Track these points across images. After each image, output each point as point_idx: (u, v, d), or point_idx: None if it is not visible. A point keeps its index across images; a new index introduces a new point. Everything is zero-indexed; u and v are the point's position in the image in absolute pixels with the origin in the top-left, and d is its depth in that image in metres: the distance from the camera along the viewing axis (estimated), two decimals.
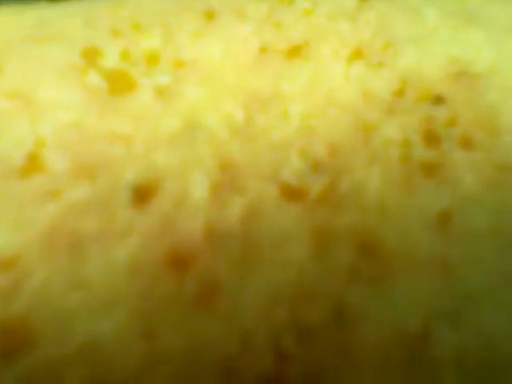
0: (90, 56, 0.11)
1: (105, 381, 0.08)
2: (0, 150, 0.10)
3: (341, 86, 0.11)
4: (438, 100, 0.11)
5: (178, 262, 0.09)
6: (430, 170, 0.10)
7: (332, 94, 0.11)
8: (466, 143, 0.11)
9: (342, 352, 0.09)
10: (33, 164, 0.10)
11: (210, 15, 0.12)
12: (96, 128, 0.10)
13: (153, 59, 0.11)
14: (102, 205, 0.09)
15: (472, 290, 0.10)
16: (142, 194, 0.10)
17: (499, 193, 0.10)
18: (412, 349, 0.10)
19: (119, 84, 0.11)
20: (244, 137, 0.11)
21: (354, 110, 0.11)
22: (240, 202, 0.10)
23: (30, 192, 0.09)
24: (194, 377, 0.09)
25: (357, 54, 0.12)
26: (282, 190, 0.10)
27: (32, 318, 0.09)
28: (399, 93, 0.11)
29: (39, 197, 0.09)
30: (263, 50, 0.12)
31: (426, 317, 0.10)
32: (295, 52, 0.12)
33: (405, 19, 0.13)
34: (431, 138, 0.11)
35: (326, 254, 0.10)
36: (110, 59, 0.11)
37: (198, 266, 0.09)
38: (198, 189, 0.10)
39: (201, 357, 0.09)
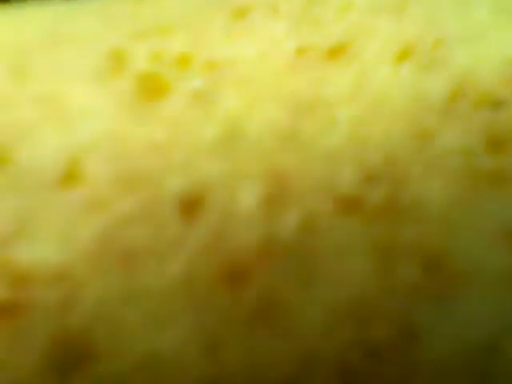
0: (118, 58, 0.10)
1: None
2: (36, 158, 0.09)
3: (390, 89, 0.11)
4: (498, 104, 0.11)
5: (234, 277, 0.08)
6: (496, 179, 0.10)
7: (381, 98, 0.10)
8: None
9: (409, 371, 0.08)
10: (72, 174, 0.09)
11: (240, 13, 0.11)
12: (131, 136, 0.09)
13: (184, 60, 0.10)
14: (149, 217, 0.09)
15: None
16: (189, 206, 0.09)
17: None
18: (480, 365, 0.09)
19: (151, 87, 0.10)
20: (292, 145, 0.10)
21: (407, 115, 0.10)
22: (294, 215, 0.09)
23: (75, 203, 0.09)
24: None
25: (405, 53, 0.11)
26: (336, 202, 0.09)
27: (91, 332, 0.08)
28: (455, 96, 0.11)
29: (85, 208, 0.08)
30: (301, 51, 0.11)
31: (494, 333, 0.09)
32: (338, 52, 0.11)
33: (455, 15, 0.12)
34: (495, 145, 0.10)
35: (390, 271, 0.09)
36: (140, 61, 0.10)
37: (255, 281, 0.08)
38: (248, 200, 0.09)
39: (262, 377, 0.08)
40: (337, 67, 0.11)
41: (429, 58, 0.11)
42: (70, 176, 0.09)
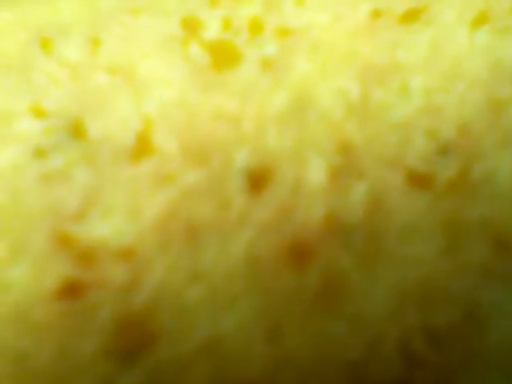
0: (190, 27, 0.10)
1: (229, 379, 0.08)
2: (108, 130, 0.09)
3: (466, 56, 0.10)
4: None
5: (299, 253, 0.08)
6: None
7: (457, 65, 0.10)
8: None
9: (476, 355, 0.08)
10: (143, 145, 0.09)
11: None
12: (202, 105, 0.09)
13: (256, 27, 0.10)
14: (216, 190, 0.09)
15: None
16: (257, 180, 0.09)
17: None
18: None
19: (223, 56, 0.10)
20: (361, 115, 0.10)
21: (483, 84, 0.10)
22: (362, 189, 0.09)
23: (143, 177, 0.09)
24: (319, 381, 0.08)
25: (482, 18, 0.10)
26: (407, 175, 0.09)
27: (155, 312, 0.08)
28: None
29: (152, 182, 0.09)
30: (376, 14, 0.11)
31: None
32: (412, 16, 0.11)
33: None
34: None
35: (459, 249, 0.09)
36: (211, 29, 0.10)
37: (321, 258, 0.08)
38: (316, 174, 0.09)
39: (326, 359, 0.08)
40: (412, 32, 0.10)
41: (505, 22, 0.10)
42: (140, 148, 0.09)
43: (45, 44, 0.10)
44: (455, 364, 0.08)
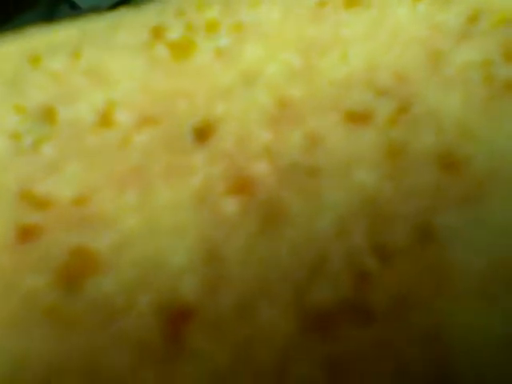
0: (157, 32, 0.12)
1: (171, 300, 0.08)
2: (75, 113, 0.10)
3: (406, 24, 0.11)
4: None
5: (242, 188, 0.09)
6: None
7: (396, 33, 0.11)
8: None
9: (431, 276, 0.08)
10: (103, 121, 0.10)
11: None
12: (160, 87, 0.10)
13: (212, 26, 0.12)
14: (166, 146, 0.09)
15: None
16: (203, 133, 0.10)
17: None
18: None
19: (181, 50, 0.11)
20: (303, 79, 0.10)
21: (422, 42, 0.10)
22: (301, 132, 0.09)
23: (102, 143, 0.10)
24: (263, 301, 0.08)
25: None
26: (345, 116, 0.09)
27: (95, 244, 0.09)
28: (472, 20, 0.11)
29: (109, 146, 0.10)
30: (322, 3, 0.12)
31: None
32: (355, 1, 0.12)
33: None
34: (510, 56, 0.10)
35: (404, 173, 0.09)
36: (175, 33, 0.12)
37: (263, 192, 0.09)
38: (257, 126, 0.10)
39: (269, 280, 0.08)
40: (355, 13, 0.11)
41: None
42: (101, 123, 0.10)
43: (34, 61, 0.12)
44: (411, 284, 0.08)
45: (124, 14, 0.13)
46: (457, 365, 0.08)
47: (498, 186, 0.09)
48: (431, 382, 0.08)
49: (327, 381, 0.08)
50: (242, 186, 0.09)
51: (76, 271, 0.08)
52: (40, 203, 0.09)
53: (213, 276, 0.08)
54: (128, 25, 0.12)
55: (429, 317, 0.08)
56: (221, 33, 0.11)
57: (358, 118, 0.09)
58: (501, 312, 0.08)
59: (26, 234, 0.09)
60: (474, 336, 0.08)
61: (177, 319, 0.08)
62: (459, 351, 0.08)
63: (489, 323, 0.08)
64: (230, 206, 0.09)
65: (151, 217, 0.09)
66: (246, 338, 0.08)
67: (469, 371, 0.08)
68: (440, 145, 0.09)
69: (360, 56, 0.10)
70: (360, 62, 0.10)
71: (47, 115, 0.10)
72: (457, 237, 0.08)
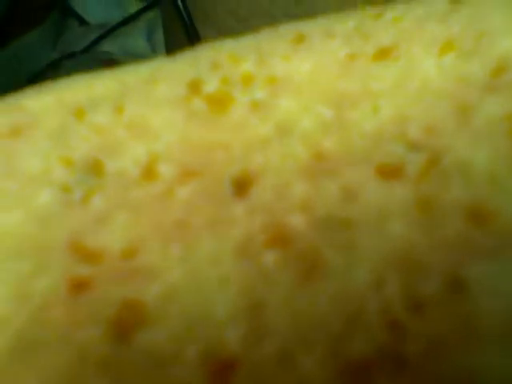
0: (194, 86, 0.12)
1: (216, 351, 0.09)
2: (121, 166, 0.11)
3: (433, 77, 0.11)
4: None
5: (281, 240, 0.09)
6: None
7: (424, 85, 0.11)
8: None
9: (463, 324, 0.08)
10: (147, 173, 0.11)
11: (299, 39, 0.13)
12: (199, 140, 0.11)
13: (248, 79, 0.12)
14: (207, 198, 0.10)
15: None
16: (242, 185, 0.10)
17: None
18: None
19: (218, 103, 0.12)
20: (335, 131, 0.11)
21: (449, 95, 0.11)
22: (336, 185, 0.10)
23: (146, 195, 0.10)
24: (300, 353, 0.08)
25: (448, 46, 0.12)
26: (377, 169, 0.10)
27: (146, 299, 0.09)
28: (497, 72, 0.11)
29: (154, 198, 0.10)
30: (351, 56, 0.12)
31: None
32: (384, 54, 0.12)
33: (500, 12, 0.12)
34: None
35: (435, 225, 0.09)
36: (211, 86, 0.12)
37: (300, 244, 0.09)
38: (294, 178, 0.10)
39: (307, 333, 0.09)
40: (384, 66, 0.12)
41: (471, 46, 0.11)
42: (145, 176, 0.11)
43: (78, 114, 0.12)
44: (444, 333, 0.08)
45: (161, 67, 0.14)
46: None
47: None
48: None
49: None
50: (280, 238, 0.09)
51: (126, 323, 0.09)
52: (90, 256, 0.10)
53: (255, 327, 0.09)
54: (166, 78, 0.13)
55: (460, 365, 0.08)
56: (256, 86, 0.12)
57: (389, 171, 0.10)
58: None
59: (78, 287, 0.09)
60: (506, 381, 0.08)
61: (222, 369, 0.08)
62: None
63: None
64: (270, 257, 0.09)
65: (195, 269, 0.09)
66: None
67: None
68: (469, 197, 0.09)
69: (390, 108, 0.11)
70: (390, 114, 0.11)
71: (94, 168, 0.11)
72: (486, 287, 0.09)
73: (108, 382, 0.08)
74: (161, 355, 0.09)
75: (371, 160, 0.10)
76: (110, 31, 0.55)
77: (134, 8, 0.57)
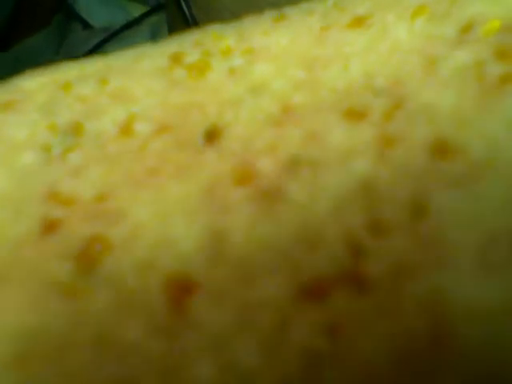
0: (176, 58, 0.13)
1: (177, 277, 0.09)
2: (100, 127, 0.11)
3: (404, 38, 0.12)
4: (509, 28, 0.11)
5: (247, 179, 0.09)
6: (507, 78, 0.10)
7: (395, 45, 0.11)
8: None
9: (425, 247, 0.08)
10: (124, 131, 0.11)
11: (280, 18, 0.14)
12: (177, 102, 0.11)
13: (227, 51, 0.13)
14: (180, 148, 0.10)
15: None
16: (213, 136, 0.10)
17: None
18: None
19: (197, 71, 0.12)
20: (306, 89, 0.11)
21: (418, 51, 0.11)
22: (302, 130, 0.10)
23: (121, 150, 0.11)
24: (261, 277, 0.08)
25: (420, 12, 0.12)
26: (343, 114, 0.10)
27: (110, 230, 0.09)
28: (466, 29, 0.11)
29: (128, 152, 0.11)
30: (326, 27, 0.12)
31: None
32: (357, 22, 0.12)
33: None
34: (504, 55, 0.10)
35: (399, 160, 0.09)
36: (192, 57, 0.13)
37: (266, 180, 0.09)
38: (262, 128, 0.10)
39: (268, 260, 0.09)
40: (357, 33, 0.12)
41: (443, 10, 0.12)
42: (121, 134, 0.11)
43: (66, 87, 0.13)
44: (406, 256, 0.08)
45: (146, 48, 0.14)
46: (455, 329, 0.08)
47: (494, 167, 0.09)
48: (427, 344, 0.08)
49: (327, 343, 0.08)
50: (247, 177, 0.10)
51: (91, 256, 0.09)
52: (64, 201, 0.10)
53: (216, 253, 0.09)
54: (150, 54, 0.13)
55: (426, 287, 0.08)
56: (234, 55, 0.13)
57: (355, 115, 0.10)
58: (499, 279, 0.08)
59: (50, 227, 0.10)
60: (472, 302, 0.08)
61: (182, 294, 0.08)
62: (457, 317, 0.08)
63: (487, 290, 0.08)
64: (236, 194, 0.09)
65: (163, 208, 0.10)
66: (246, 304, 0.08)
67: (467, 335, 0.08)
68: (434, 133, 0.09)
69: (360, 66, 0.11)
70: (359, 71, 0.11)
71: (75, 129, 0.12)
72: (453, 213, 0.09)
73: (73, 309, 0.09)
74: (124, 283, 0.09)
75: (338, 108, 0.10)
76: (113, 35, 0.56)
77: (137, 12, 0.58)
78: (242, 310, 0.08)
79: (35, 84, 0.14)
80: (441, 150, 0.09)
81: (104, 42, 0.55)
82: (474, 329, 0.08)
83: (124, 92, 0.12)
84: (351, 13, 0.13)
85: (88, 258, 0.09)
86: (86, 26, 0.59)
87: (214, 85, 0.12)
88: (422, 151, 0.09)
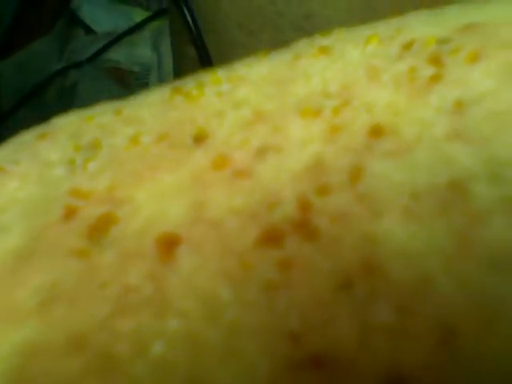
0: (176, 89, 0.16)
1: (165, 234, 0.11)
2: (114, 142, 0.14)
3: (355, 58, 0.14)
4: (443, 40, 0.13)
5: (223, 165, 0.12)
6: (436, 78, 0.12)
7: (347, 63, 0.14)
8: (473, 58, 0.12)
9: (361, 203, 0.10)
10: (132, 143, 0.14)
11: (264, 54, 0.16)
12: (174, 117, 0.14)
13: (217, 81, 0.15)
14: (174, 149, 0.13)
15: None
16: (201, 138, 0.13)
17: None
18: (444, 200, 0.10)
19: (192, 96, 0.15)
20: (275, 98, 0.14)
21: (365, 65, 0.14)
22: (268, 127, 0.13)
23: (129, 156, 0.13)
24: (231, 231, 0.11)
25: (372, 39, 0.15)
26: (301, 112, 0.12)
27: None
28: (407, 47, 0.14)
29: (134, 156, 0.13)
30: (297, 57, 0.15)
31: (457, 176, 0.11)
32: (322, 51, 0.15)
33: (419, 17, 0.15)
34: (436, 61, 0.13)
35: (341, 139, 0.12)
36: (188, 87, 0.16)
37: (239, 165, 0.12)
38: (239, 130, 0.13)
39: (238, 214, 0.11)
40: (320, 58, 0.15)
41: (391, 36, 0.14)
42: (131, 144, 0.14)
43: (89, 119, 0.16)
44: (346, 209, 0.10)
45: (156, 87, 0.17)
46: (385, 263, 0.10)
47: (420, 142, 0.11)
48: (362, 275, 0.10)
49: (282, 276, 0.10)
50: (224, 165, 0.12)
51: (101, 227, 0.12)
52: (82, 195, 0.13)
53: (197, 217, 0.11)
54: (157, 90, 0.16)
55: (361, 232, 0.10)
56: (222, 83, 0.15)
57: (311, 113, 0.12)
58: (420, 228, 0.10)
59: (70, 212, 0.12)
60: (398, 245, 0.10)
61: (169, 246, 0.11)
62: (387, 256, 0.10)
63: (411, 236, 0.10)
64: (214, 176, 0.12)
65: (159, 192, 0.12)
66: (220, 251, 0.10)
67: (395, 269, 0.10)
68: (371, 121, 0.12)
69: (319, 80, 0.14)
70: (318, 83, 0.14)
71: (93, 145, 0.14)
72: (384, 177, 0.11)
73: (85, 266, 0.11)
74: (125, 244, 0.11)
75: (298, 109, 0.13)
76: (116, 40, 0.56)
77: (139, 17, 0.58)
78: (216, 256, 0.10)
79: (65, 121, 0.17)
80: (376, 132, 0.12)
81: (107, 48, 0.56)
82: (400, 265, 0.10)
83: (134, 117, 0.15)
84: (318, 44, 0.16)
85: (98, 230, 0.12)
86: (89, 31, 0.59)
87: (204, 104, 0.15)
88: (361, 134, 0.12)
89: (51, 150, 0.15)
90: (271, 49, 0.18)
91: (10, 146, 0.15)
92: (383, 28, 0.15)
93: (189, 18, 0.31)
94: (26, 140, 0.15)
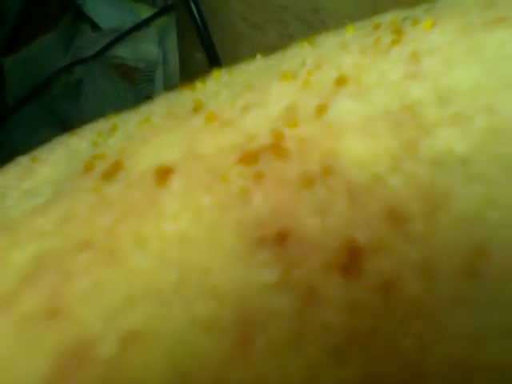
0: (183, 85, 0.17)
1: (164, 165, 0.13)
2: (128, 127, 0.16)
3: (333, 41, 0.16)
4: (406, 17, 0.15)
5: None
6: (396, 41, 0.14)
7: (325, 45, 0.16)
8: (431, 25, 0.14)
9: (326, 130, 0.13)
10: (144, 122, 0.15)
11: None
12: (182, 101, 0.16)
13: (219, 75, 0.17)
14: (176, 119, 0.15)
15: None
16: (197, 108, 0.15)
17: None
18: (396, 119, 0.12)
19: (196, 88, 0.16)
20: (262, 74, 0.16)
21: (338, 42, 0.16)
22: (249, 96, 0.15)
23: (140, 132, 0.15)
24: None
25: (349, 29, 0.16)
26: (280, 78, 0.15)
27: None
28: (376, 26, 0.15)
29: (145, 131, 0.15)
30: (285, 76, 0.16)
31: None
32: (286, 76, 0.16)
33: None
34: (397, 31, 0.15)
35: (310, 88, 0.14)
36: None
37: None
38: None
39: None
40: (307, 46, 0.16)
41: (364, 26, 0.16)
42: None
43: (112, 129, 0.17)
44: (314, 140, 0.13)
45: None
46: (341, 168, 0.12)
47: (380, 85, 0.13)
48: (320, 174, 0.12)
49: (254, 185, 0.12)
50: (214, 118, 0.14)
51: (111, 171, 0.14)
52: (99, 157, 0.15)
53: (189, 154, 0.13)
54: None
55: (325, 149, 0.12)
56: (223, 76, 0.17)
57: (289, 77, 0.15)
58: (375, 143, 0.12)
59: (89, 168, 0.14)
60: (358, 155, 0.12)
61: (165, 173, 0.13)
62: (347, 163, 0.12)
63: (369, 148, 0.12)
64: (206, 127, 0.14)
65: (160, 146, 0.14)
66: (204, 173, 0.13)
67: (349, 171, 0.12)
68: (339, 74, 0.14)
69: (300, 59, 0.15)
70: (299, 61, 0.15)
71: (112, 129, 0.16)
72: (345, 109, 0.13)
73: (96, 198, 0.13)
74: (128, 177, 0.13)
75: (279, 77, 0.15)
76: (122, 36, 0.56)
77: (145, 14, 0.59)
78: (201, 177, 0.13)
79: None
80: (342, 81, 0.14)
81: (113, 44, 0.56)
82: (355, 170, 0.12)
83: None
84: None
85: (109, 174, 0.14)
86: (95, 27, 0.59)
87: (205, 91, 0.16)
88: (329, 83, 0.14)
89: (79, 141, 0.17)
90: (276, 44, 0.19)
91: (48, 144, 0.17)
92: (361, 23, 0.17)
93: (195, 13, 0.32)
94: (60, 139, 0.17)
